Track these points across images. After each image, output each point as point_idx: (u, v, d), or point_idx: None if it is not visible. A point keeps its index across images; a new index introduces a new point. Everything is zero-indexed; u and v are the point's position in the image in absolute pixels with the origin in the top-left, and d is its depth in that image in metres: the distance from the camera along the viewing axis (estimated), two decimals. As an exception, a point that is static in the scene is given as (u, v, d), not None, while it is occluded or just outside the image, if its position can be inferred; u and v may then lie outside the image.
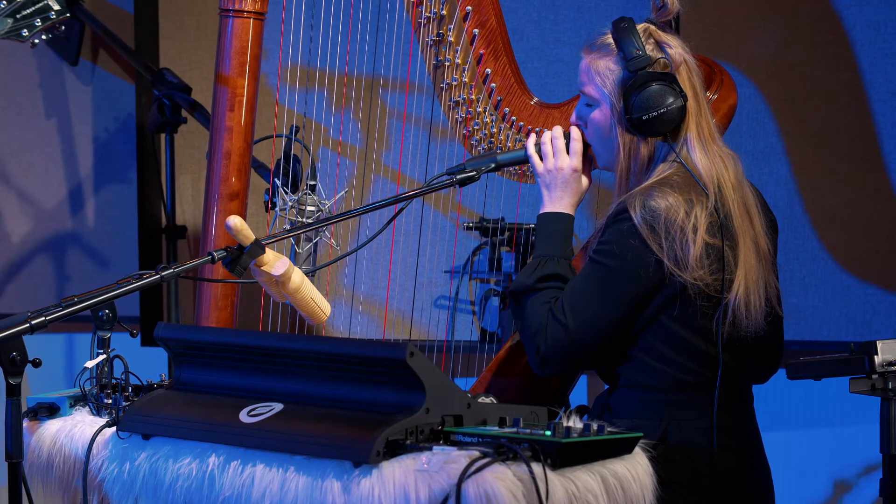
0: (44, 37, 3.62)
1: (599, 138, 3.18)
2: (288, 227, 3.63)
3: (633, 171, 3.14)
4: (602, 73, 3.13)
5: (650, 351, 3.07)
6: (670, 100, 3.07)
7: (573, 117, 3.24)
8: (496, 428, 2.55)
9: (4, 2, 3.58)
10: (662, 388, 3.08)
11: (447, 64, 3.45)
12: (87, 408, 2.93)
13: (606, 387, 3.20)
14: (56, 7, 3.58)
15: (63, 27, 3.59)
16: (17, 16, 3.55)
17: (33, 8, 3.58)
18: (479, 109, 3.46)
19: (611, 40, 3.13)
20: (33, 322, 2.58)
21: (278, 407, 2.65)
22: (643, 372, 3.09)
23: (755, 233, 3.10)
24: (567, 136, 3.23)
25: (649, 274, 3.02)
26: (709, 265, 3.02)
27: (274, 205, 3.68)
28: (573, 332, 3.04)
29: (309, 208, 3.65)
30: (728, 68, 3.49)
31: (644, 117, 3.07)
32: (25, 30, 3.58)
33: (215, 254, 2.80)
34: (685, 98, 3.08)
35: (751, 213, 3.11)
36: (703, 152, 3.09)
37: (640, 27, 3.12)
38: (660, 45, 3.11)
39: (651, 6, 3.16)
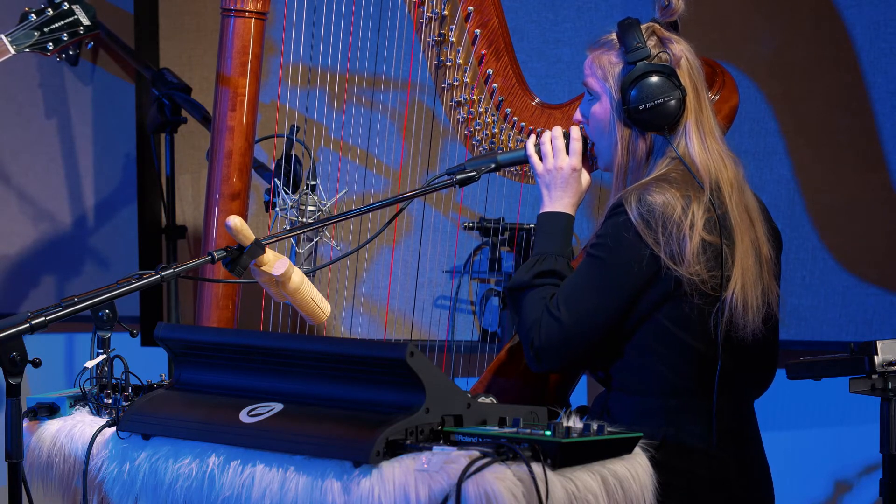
0: (71, 52, 3.61)
1: (599, 133, 3.18)
2: (288, 227, 3.63)
3: (630, 167, 3.14)
4: (604, 66, 3.15)
5: (647, 353, 3.07)
6: (668, 92, 3.08)
7: (577, 114, 3.24)
8: (496, 428, 2.55)
9: (33, 14, 3.57)
10: (660, 394, 3.07)
11: (449, 64, 3.45)
12: (87, 408, 2.93)
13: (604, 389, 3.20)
14: (86, 22, 3.57)
15: (90, 44, 3.59)
16: (45, 29, 3.54)
17: (62, 22, 3.58)
18: (481, 110, 3.46)
19: (614, 37, 3.15)
20: (33, 322, 2.58)
21: (278, 407, 2.65)
22: (640, 376, 3.08)
23: (756, 237, 3.09)
24: (567, 135, 3.23)
25: (642, 267, 3.02)
26: (705, 262, 3.02)
27: (274, 205, 3.68)
28: (567, 327, 3.04)
29: (309, 208, 3.65)
30: (728, 68, 3.50)
31: (641, 108, 3.08)
32: (51, 43, 3.57)
33: (215, 254, 2.80)
34: (683, 92, 3.09)
35: (752, 217, 3.11)
36: (701, 147, 3.10)
37: (644, 25, 3.14)
38: (662, 42, 3.12)
39: (657, 6, 3.17)
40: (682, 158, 3.09)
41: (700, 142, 3.10)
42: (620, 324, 3.06)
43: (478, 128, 3.48)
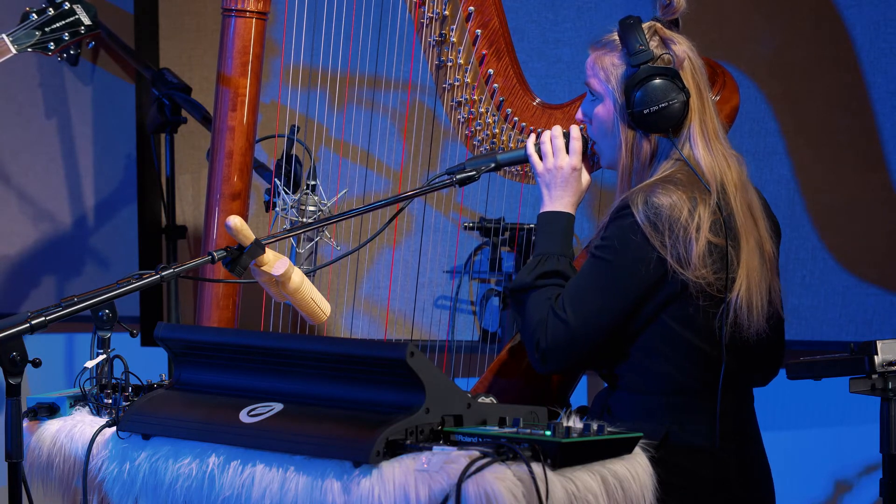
0: (72, 51, 3.62)
1: (602, 134, 3.18)
2: (288, 227, 3.63)
3: (635, 169, 3.14)
4: (606, 68, 3.14)
5: (652, 352, 3.07)
6: (672, 95, 3.07)
7: (578, 114, 3.24)
8: (496, 428, 2.55)
9: (34, 14, 3.57)
10: (663, 393, 3.07)
11: (449, 64, 3.45)
12: (87, 408, 2.92)
13: (605, 385, 3.20)
14: (87, 22, 3.58)
15: (91, 43, 3.60)
16: (46, 29, 3.55)
17: (63, 22, 3.58)
18: (482, 110, 3.46)
19: (616, 37, 3.14)
20: (33, 322, 2.58)
21: (278, 407, 2.65)
22: (644, 375, 3.08)
23: (760, 236, 3.09)
24: (566, 135, 3.23)
25: (650, 270, 3.01)
26: (711, 264, 3.02)
27: (274, 205, 3.68)
28: (573, 329, 3.04)
29: (309, 208, 3.65)
30: (729, 68, 3.50)
31: (645, 111, 3.08)
32: (52, 43, 3.58)
33: (215, 254, 2.80)
34: (687, 94, 3.09)
35: (755, 215, 3.11)
36: (706, 149, 3.09)
37: (645, 25, 3.13)
38: (664, 42, 3.12)
39: (658, 4, 3.17)
40: (688, 161, 3.08)
41: (704, 143, 3.10)
42: (626, 325, 3.06)
43: (478, 128, 3.48)
